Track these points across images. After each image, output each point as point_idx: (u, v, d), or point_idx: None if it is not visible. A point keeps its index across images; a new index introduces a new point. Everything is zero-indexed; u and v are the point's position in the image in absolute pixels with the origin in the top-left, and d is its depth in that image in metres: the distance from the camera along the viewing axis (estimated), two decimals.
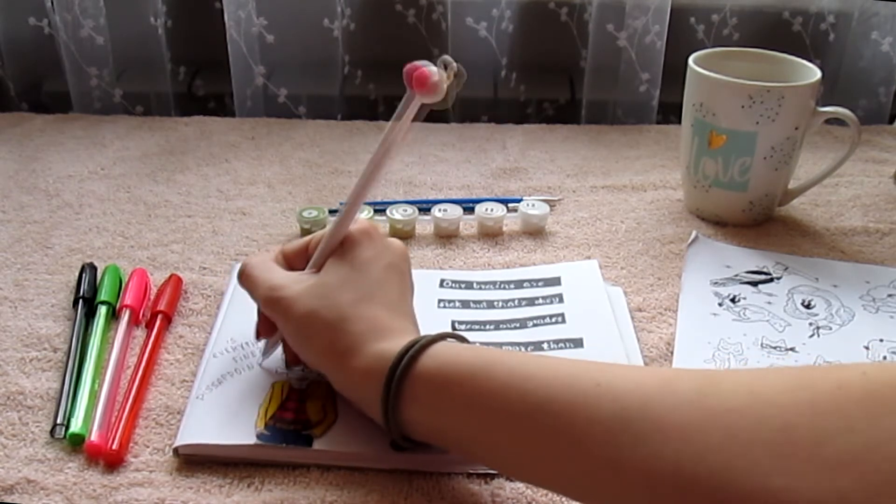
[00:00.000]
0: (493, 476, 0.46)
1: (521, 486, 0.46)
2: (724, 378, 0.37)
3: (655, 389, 0.37)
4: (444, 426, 0.43)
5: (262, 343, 0.53)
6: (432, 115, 1.03)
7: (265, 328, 0.52)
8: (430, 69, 0.45)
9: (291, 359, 0.52)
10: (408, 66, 0.45)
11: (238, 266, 0.63)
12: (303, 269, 0.51)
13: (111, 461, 0.47)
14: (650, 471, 0.35)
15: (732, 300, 0.62)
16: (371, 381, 0.43)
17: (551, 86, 1.01)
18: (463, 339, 0.46)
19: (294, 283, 0.48)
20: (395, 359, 0.43)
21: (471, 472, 0.46)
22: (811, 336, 0.59)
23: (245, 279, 0.51)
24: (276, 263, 0.52)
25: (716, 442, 0.34)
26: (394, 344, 0.44)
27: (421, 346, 0.43)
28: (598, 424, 0.37)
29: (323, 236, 0.50)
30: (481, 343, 0.56)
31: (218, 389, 0.51)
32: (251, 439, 0.47)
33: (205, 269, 0.66)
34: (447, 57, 0.45)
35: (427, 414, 0.43)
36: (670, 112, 0.97)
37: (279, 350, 0.53)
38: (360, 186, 0.49)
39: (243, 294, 0.59)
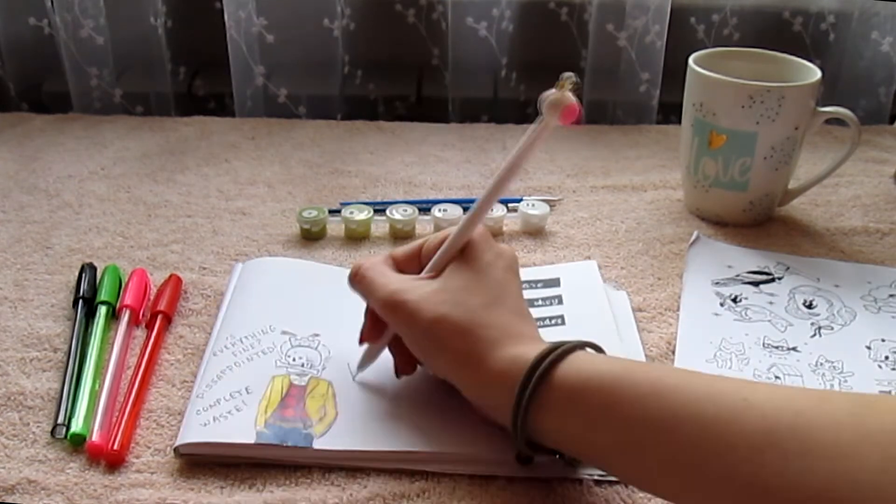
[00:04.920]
0: (494, 478, 0.46)
1: (522, 488, 0.46)
2: (878, 400, 0.37)
3: (806, 408, 0.36)
4: (577, 434, 0.42)
5: (361, 351, 0.52)
6: (432, 115, 1.04)
7: (372, 332, 0.50)
8: (573, 99, 0.44)
9: (402, 366, 0.51)
10: (546, 97, 0.45)
11: (239, 265, 0.63)
12: (414, 273, 0.50)
13: (112, 461, 0.47)
14: (798, 490, 0.34)
15: (734, 300, 0.62)
16: (504, 385, 0.43)
17: (551, 86, 1.00)
18: (599, 350, 0.45)
19: (417, 287, 0.47)
20: (533, 363, 0.42)
21: (473, 474, 0.46)
22: (813, 336, 0.59)
23: (360, 281, 0.49)
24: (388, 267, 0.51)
25: (873, 463, 0.33)
26: (528, 349, 0.43)
27: (561, 352, 0.42)
28: (745, 440, 0.36)
29: (435, 241, 0.50)
30: None
31: (217, 386, 0.50)
32: (251, 438, 0.47)
33: (205, 269, 0.65)
34: (568, 74, 0.44)
35: (560, 421, 0.42)
36: (670, 112, 0.97)
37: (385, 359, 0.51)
38: (487, 198, 0.48)
39: (243, 294, 0.60)
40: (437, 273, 0.48)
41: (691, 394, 0.39)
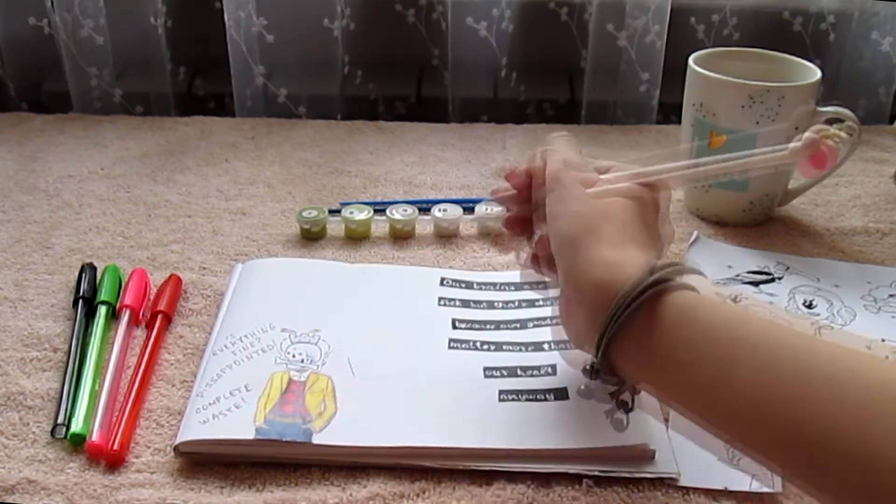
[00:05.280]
0: (495, 474, 0.46)
1: (523, 486, 0.46)
2: None
3: None
4: (665, 360, 0.39)
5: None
6: (432, 115, 1.03)
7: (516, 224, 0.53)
8: (832, 148, 0.44)
9: (514, 228, 0.53)
10: (813, 137, 0.44)
11: (239, 265, 0.63)
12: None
13: (112, 461, 0.47)
14: None
15: (734, 300, 0.62)
16: (612, 281, 0.41)
17: (551, 86, 1.01)
18: (699, 272, 0.44)
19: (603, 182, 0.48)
20: (646, 272, 0.41)
21: (473, 468, 0.46)
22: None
23: (552, 154, 0.50)
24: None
25: None
26: (651, 259, 0.42)
27: (679, 272, 0.41)
28: (868, 388, 0.34)
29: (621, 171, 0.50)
30: (482, 342, 0.56)
31: (217, 384, 0.51)
32: (250, 434, 0.47)
33: (205, 269, 0.65)
34: (851, 125, 0.44)
35: (657, 340, 0.40)
36: (670, 112, 0.97)
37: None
38: (698, 167, 0.50)
39: (243, 293, 0.60)
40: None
41: (818, 345, 0.37)
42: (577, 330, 0.44)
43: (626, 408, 0.45)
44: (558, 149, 0.51)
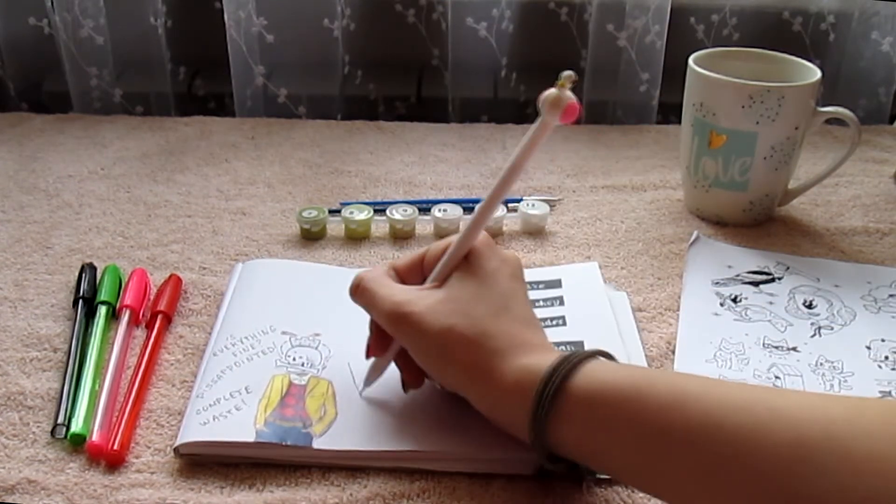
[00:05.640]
0: (494, 478, 0.46)
1: (522, 488, 0.46)
2: None
3: (840, 417, 0.35)
4: (596, 446, 0.41)
5: (367, 365, 0.50)
6: (432, 115, 1.04)
7: (378, 346, 0.49)
8: (572, 98, 0.43)
9: (410, 379, 0.49)
10: (545, 96, 0.44)
11: (239, 265, 0.63)
12: (417, 283, 0.49)
13: (112, 461, 0.47)
14: None
15: (734, 300, 0.62)
16: (519, 397, 0.42)
17: (551, 86, 1.01)
18: (611, 357, 0.44)
19: (421, 299, 0.46)
20: (546, 374, 0.41)
21: (473, 472, 0.46)
22: (813, 336, 0.59)
23: (362, 294, 0.48)
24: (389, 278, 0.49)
25: None
26: (540, 359, 0.42)
27: (574, 362, 0.41)
28: (774, 453, 0.34)
29: (437, 249, 0.49)
30: None
31: (217, 385, 0.51)
32: (251, 436, 0.47)
33: (205, 269, 0.65)
34: (567, 72, 0.44)
35: (579, 433, 0.41)
36: (670, 112, 0.97)
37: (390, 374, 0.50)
38: (488, 202, 0.47)
39: (242, 292, 0.60)
40: (441, 283, 0.47)
41: (716, 403, 0.37)
42: (508, 424, 0.44)
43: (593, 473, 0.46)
44: (372, 290, 0.48)
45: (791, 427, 0.35)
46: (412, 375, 0.49)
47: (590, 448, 0.41)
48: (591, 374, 0.41)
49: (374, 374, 0.50)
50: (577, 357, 0.42)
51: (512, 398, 0.42)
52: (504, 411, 0.44)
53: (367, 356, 0.50)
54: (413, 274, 0.50)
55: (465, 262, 0.47)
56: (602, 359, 0.43)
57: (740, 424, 0.36)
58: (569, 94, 0.44)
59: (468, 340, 0.44)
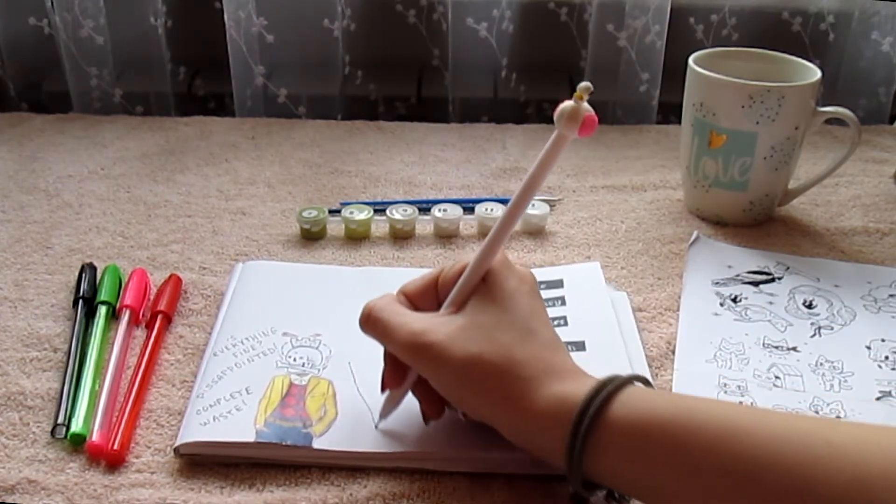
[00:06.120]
0: (494, 478, 0.46)
1: (524, 489, 0.46)
2: None
3: None
4: (636, 476, 0.39)
5: (382, 398, 0.48)
6: (432, 115, 1.04)
7: (393, 377, 0.46)
8: (590, 110, 0.42)
9: (430, 410, 0.47)
10: (562, 109, 0.42)
11: (239, 265, 0.63)
12: (431, 309, 0.47)
13: (112, 461, 0.47)
14: None
15: (734, 300, 0.62)
16: (553, 426, 0.40)
17: (551, 86, 1.01)
18: (647, 383, 0.43)
19: (441, 326, 0.44)
20: (584, 402, 0.40)
21: (473, 472, 0.46)
22: (813, 336, 0.59)
23: (374, 325, 0.45)
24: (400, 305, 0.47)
25: None
26: (574, 387, 0.41)
27: (611, 390, 0.40)
28: (833, 490, 0.33)
29: (452, 273, 0.47)
30: None
31: (218, 386, 0.51)
32: (251, 436, 0.47)
33: (205, 269, 0.65)
34: (584, 83, 0.42)
35: (617, 463, 0.39)
36: (670, 112, 0.97)
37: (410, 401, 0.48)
38: (505, 221, 0.45)
39: (243, 293, 0.60)
40: (459, 307, 0.45)
41: (769, 436, 0.36)
42: (541, 451, 0.43)
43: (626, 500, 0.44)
44: (385, 320, 0.45)
45: (850, 463, 0.34)
46: (432, 406, 0.47)
47: (629, 478, 0.40)
48: (629, 403, 0.40)
49: (389, 406, 0.48)
50: (613, 384, 0.40)
51: (546, 427, 0.41)
52: (537, 440, 0.42)
53: (383, 389, 0.47)
54: (426, 299, 0.47)
55: (483, 285, 0.45)
56: (638, 385, 0.42)
57: (797, 459, 0.35)
58: (586, 106, 0.42)
59: (497, 368, 0.42)
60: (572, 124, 0.42)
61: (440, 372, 0.43)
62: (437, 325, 0.44)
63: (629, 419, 0.39)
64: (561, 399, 0.41)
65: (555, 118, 0.43)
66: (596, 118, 0.43)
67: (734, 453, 0.36)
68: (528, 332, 0.44)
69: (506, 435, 0.43)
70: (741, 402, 0.52)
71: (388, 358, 0.47)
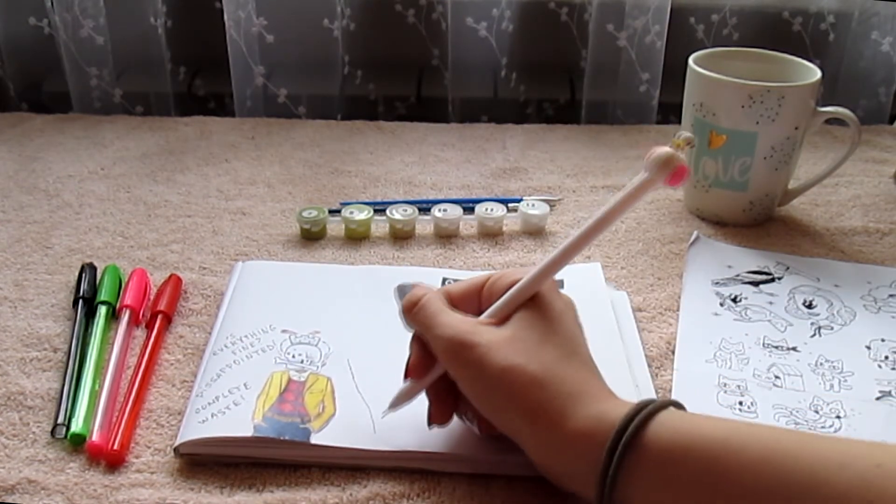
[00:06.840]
0: (494, 478, 0.46)
1: (521, 489, 0.46)
2: None
3: None
4: (672, 502, 0.38)
5: (401, 388, 0.47)
6: (432, 115, 1.04)
7: (419, 368, 0.46)
8: (684, 161, 0.42)
9: (439, 414, 0.46)
10: (657, 155, 0.42)
11: (239, 265, 0.63)
12: (472, 313, 0.46)
13: (112, 461, 0.47)
14: None
15: (734, 300, 0.62)
16: (585, 446, 0.40)
17: (551, 86, 1.01)
18: (681, 407, 0.42)
19: (486, 332, 0.43)
20: (622, 423, 0.39)
21: (473, 472, 0.46)
22: (812, 336, 0.59)
23: (418, 313, 0.45)
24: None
25: None
26: (611, 407, 0.41)
27: (651, 410, 0.39)
28: None
29: (500, 284, 0.46)
30: None
31: (216, 383, 0.51)
32: (248, 431, 0.47)
33: (205, 269, 0.65)
34: (686, 134, 0.42)
35: (654, 488, 0.38)
36: (670, 112, 0.97)
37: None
38: (570, 248, 0.45)
39: (242, 292, 0.60)
40: (502, 321, 0.45)
41: (816, 459, 0.35)
42: (564, 473, 0.42)
43: None
44: (432, 313, 0.45)
45: None
46: (442, 411, 0.46)
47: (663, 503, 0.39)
48: (669, 424, 0.39)
49: (403, 398, 0.47)
50: (652, 406, 0.40)
51: (578, 449, 0.40)
52: (566, 461, 0.41)
53: (406, 377, 0.46)
54: (468, 303, 0.47)
55: (532, 302, 0.45)
56: (674, 409, 0.41)
57: (845, 483, 0.34)
58: (682, 156, 0.42)
59: (537, 382, 0.41)
60: (664, 172, 0.42)
61: (476, 376, 0.43)
62: (482, 330, 0.44)
63: (668, 440, 0.39)
64: (598, 419, 0.40)
65: (646, 161, 0.43)
66: (687, 169, 0.42)
67: (778, 477, 0.35)
68: (572, 353, 0.44)
69: (530, 453, 0.43)
70: (741, 402, 0.52)
71: (416, 348, 0.46)
